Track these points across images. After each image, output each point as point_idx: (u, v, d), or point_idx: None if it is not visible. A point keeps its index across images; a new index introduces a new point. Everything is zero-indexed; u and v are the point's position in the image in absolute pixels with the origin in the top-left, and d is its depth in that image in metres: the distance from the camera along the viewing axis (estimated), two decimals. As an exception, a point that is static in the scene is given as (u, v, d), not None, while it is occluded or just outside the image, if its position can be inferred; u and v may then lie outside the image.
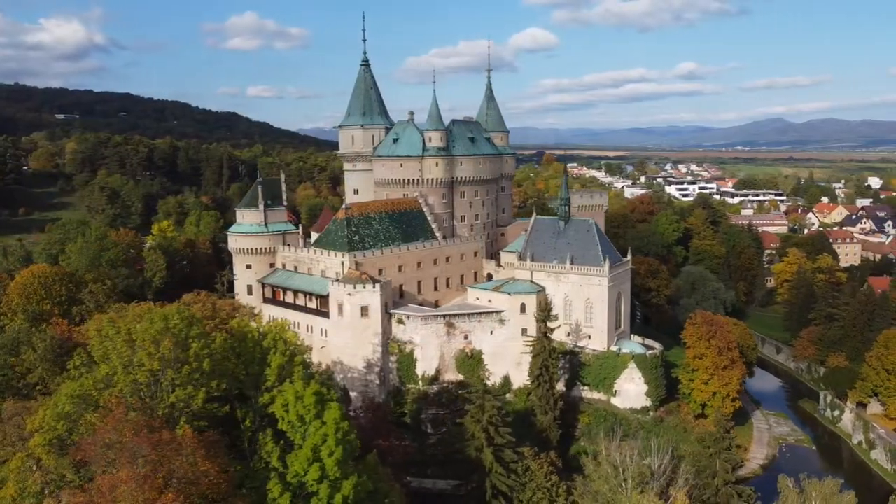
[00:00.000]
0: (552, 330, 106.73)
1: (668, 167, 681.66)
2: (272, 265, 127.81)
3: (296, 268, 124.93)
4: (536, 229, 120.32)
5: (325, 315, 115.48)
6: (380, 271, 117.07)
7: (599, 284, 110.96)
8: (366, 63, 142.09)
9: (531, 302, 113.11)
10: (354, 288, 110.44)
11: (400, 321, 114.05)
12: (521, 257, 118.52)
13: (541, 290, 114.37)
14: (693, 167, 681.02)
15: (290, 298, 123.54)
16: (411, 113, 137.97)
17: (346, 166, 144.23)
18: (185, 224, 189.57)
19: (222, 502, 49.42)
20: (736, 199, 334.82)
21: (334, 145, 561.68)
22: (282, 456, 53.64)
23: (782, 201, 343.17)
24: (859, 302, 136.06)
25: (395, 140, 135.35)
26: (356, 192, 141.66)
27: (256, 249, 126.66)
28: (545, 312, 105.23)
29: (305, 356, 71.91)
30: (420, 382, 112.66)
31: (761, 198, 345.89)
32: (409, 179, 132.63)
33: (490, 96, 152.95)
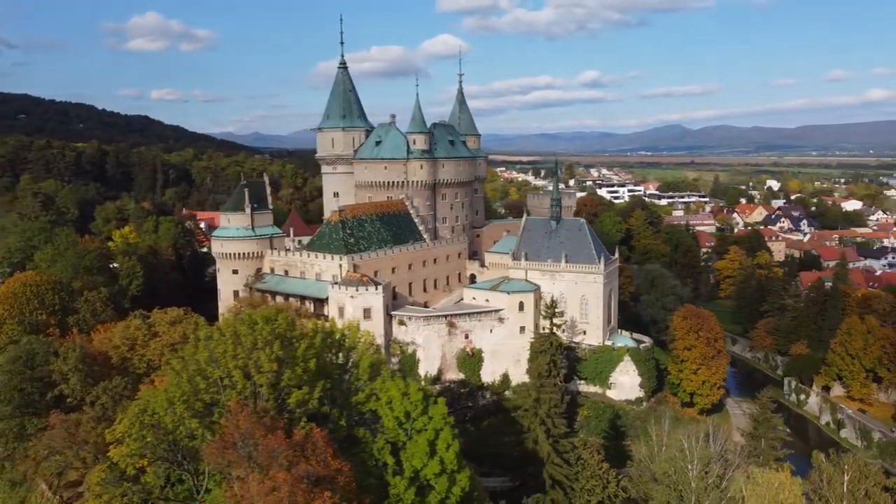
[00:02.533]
0: (559, 326, 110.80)
1: (580, 171, 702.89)
2: (259, 270, 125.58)
3: (286, 272, 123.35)
4: (528, 229, 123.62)
5: (323, 318, 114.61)
6: (375, 273, 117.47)
7: (595, 282, 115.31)
8: (343, 66, 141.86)
9: (529, 300, 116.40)
10: (357, 290, 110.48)
11: (401, 322, 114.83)
12: (516, 257, 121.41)
13: (536, 289, 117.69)
14: (604, 171, 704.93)
15: (279, 302, 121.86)
16: (393, 116, 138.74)
17: (325, 169, 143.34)
18: (126, 230, 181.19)
19: (350, 500, 49.69)
20: (663, 201, 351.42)
21: (253, 149, 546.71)
22: (393, 452, 54.23)
23: (706, 202, 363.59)
24: (813, 294, 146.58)
25: (378, 143, 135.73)
26: (336, 195, 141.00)
27: (244, 254, 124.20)
28: (552, 309, 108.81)
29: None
30: (423, 382, 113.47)
31: (686, 199, 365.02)
32: (393, 182, 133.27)
33: (462, 100, 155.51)
